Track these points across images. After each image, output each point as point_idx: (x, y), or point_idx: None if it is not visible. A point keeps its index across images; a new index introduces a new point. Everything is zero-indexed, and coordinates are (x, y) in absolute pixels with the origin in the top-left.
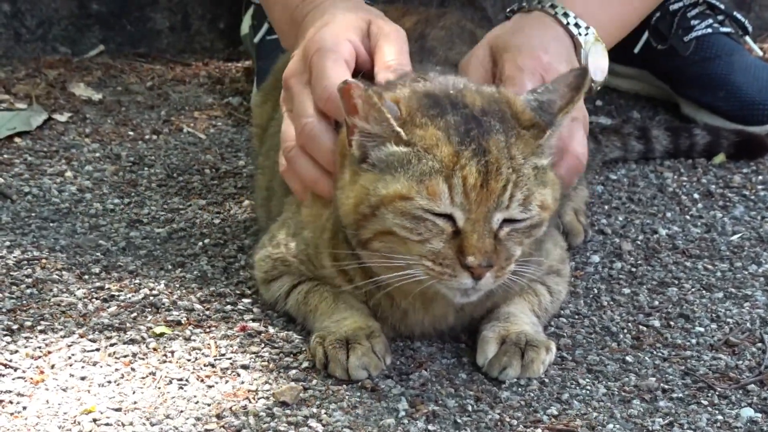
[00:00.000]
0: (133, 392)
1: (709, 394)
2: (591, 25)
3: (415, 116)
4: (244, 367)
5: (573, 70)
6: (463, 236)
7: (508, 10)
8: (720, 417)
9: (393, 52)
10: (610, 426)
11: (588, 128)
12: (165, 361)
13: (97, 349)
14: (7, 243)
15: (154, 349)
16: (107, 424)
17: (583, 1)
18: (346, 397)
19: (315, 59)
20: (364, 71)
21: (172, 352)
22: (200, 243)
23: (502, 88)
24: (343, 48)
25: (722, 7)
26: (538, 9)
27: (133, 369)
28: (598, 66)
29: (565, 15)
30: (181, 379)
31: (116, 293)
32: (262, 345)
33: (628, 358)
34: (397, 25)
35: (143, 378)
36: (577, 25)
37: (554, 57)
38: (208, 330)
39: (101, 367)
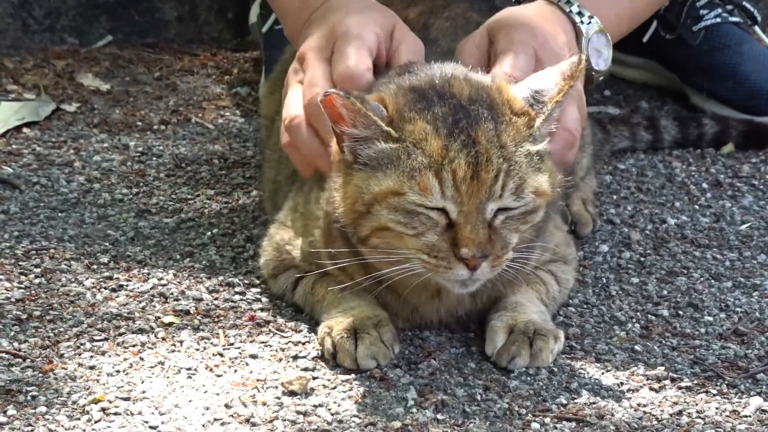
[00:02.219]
0: (142, 382)
1: (718, 383)
2: (596, 16)
3: (403, 112)
4: (253, 356)
5: (569, 58)
6: (456, 228)
7: (513, 0)
8: (729, 406)
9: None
10: (619, 415)
11: (583, 104)
12: (174, 351)
13: (106, 339)
14: (16, 233)
15: (163, 339)
16: (116, 414)
17: None
18: (355, 386)
19: (340, 41)
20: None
21: (181, 342)
22: (209, 233)
23: (496, 76)
24: (370, 37)
25: None
26: None
27: (141, 358)
28: (601, 55)
29: (569, 3)
30: (189, 369)
31: (125, 283)
32: (271, 334)
33: (637, 348)
34: (417, 37)
35: (152, 367)
36: (580, 13)
37: (550, 34)
38: (216, 320)
39: (110, 356)
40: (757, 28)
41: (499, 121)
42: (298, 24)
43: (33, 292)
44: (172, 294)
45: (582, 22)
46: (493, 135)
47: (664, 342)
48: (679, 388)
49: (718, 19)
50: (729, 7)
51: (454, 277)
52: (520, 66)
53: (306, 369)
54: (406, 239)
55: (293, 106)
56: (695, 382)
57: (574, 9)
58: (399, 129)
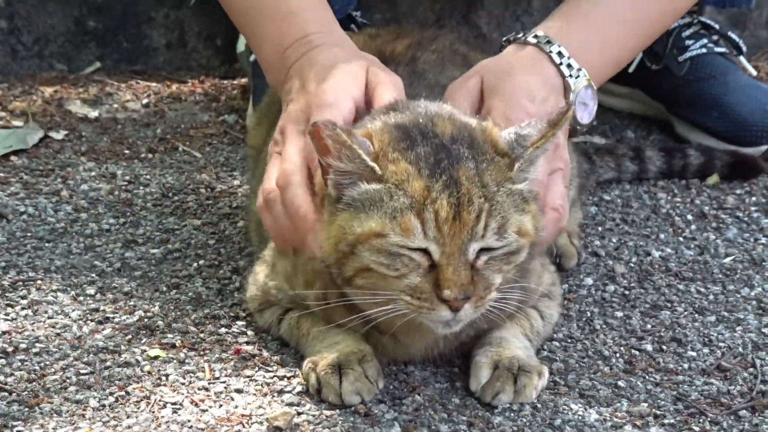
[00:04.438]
0: (128, 416)
1: (701, 420)
2: (584, 66)
3: (387, 151)
4: (238, 391)
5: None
6: (438, 270)
7: (504, 39)
8: None
9: (389, 99)
10: None
11: (569, 177)
12: (159, 385)
13: (92, 372)
14: (3, 263)
15: (149, 373)
16: None
17: (580, 41)
18: (340, 422)
19: (316, 113)
20: None
21: (167, 376)
22: (195, 264)
23: (484, 121)
24: (344, 105)
25: (717, 26)
26: (533, 44)
27: (127, 392)
28: (587, 108)
29: (560, 54)
30: (175, 403)
31: (111, 315)
32: (256, 368)
33: (621, 383)
34: (393, 73)
35: (137, 402)
36: (569, 66)
37: (540, 107)
38: (202, 353)
39: (96, 390)
40: (742, 59)
41: (480, 161)
42: (279, 76)
43: (19, 324)
44: (158, 327)
45: (571, 76)
46: (474, 174)
47: (647, 377)
48: (662, 425)
49: (704, 50)
50: (714, 37)
51: (437, 318)
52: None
53: (291, 404)
54: (389, 280)
55: (271, 179)
56: (678, 419)
57: (564, 61)
58: (383, 168)
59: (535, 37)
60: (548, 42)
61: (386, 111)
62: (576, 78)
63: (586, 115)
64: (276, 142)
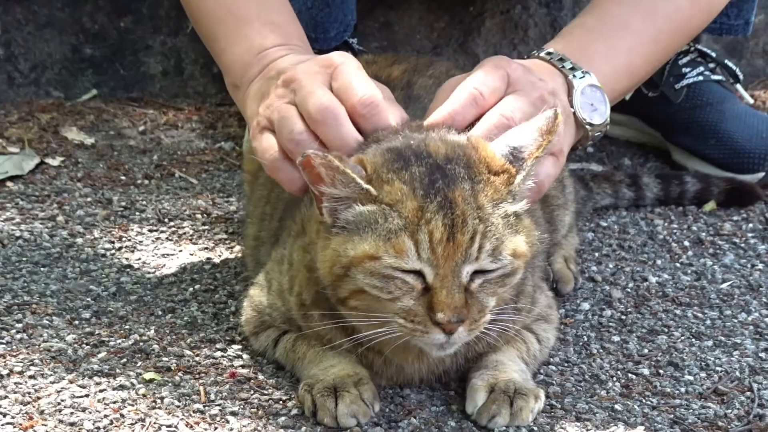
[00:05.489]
0: None
1: None
2: (591, 71)
3: (381, 172)
4: (234, 413)
5: (544, 112)
6: (432, 293)
7: None
8: None
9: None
10: None
11: (561, 166)
12: (154, 408)
13: (87, 395)
14: None
15: (144, 395)
16: None
17: (582, 48)
18: None
19: (339, 59)
20: None
21: (162, 399)
22: (191, 289)
23: (471, 136)
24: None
25: (713, 54)
26: (534, 56)
27: (122, 415)
28: (596, 110)
29: (561, 60)
30: (170, 426)
31: (106, 339)
32: (252, 391)
33: (617, 407)
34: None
35: (132, 424)
36: (573, 68)
37: (527, 67)
38: (197, 376)
39: (90, 413)
40: (739, 86)
41: (476, 181)
42: (250, 71)
43: (14, 347)
44: (153, 350)
45: (575, 76)
46: (470, 195)
47: (644, 401)
48: None
49: (701, 77)
50: (711, 65)
51: (431, 341)
52: (488, 83)
53: (286, 427)
54: (383, 303)
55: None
56: None
57: (567, 65)
58: (378, 189)
59: (537, 52)
60: (549, 54)
61: (375, 140)
62: (580, 78)
63: (596, 115)
64: (281, 96)
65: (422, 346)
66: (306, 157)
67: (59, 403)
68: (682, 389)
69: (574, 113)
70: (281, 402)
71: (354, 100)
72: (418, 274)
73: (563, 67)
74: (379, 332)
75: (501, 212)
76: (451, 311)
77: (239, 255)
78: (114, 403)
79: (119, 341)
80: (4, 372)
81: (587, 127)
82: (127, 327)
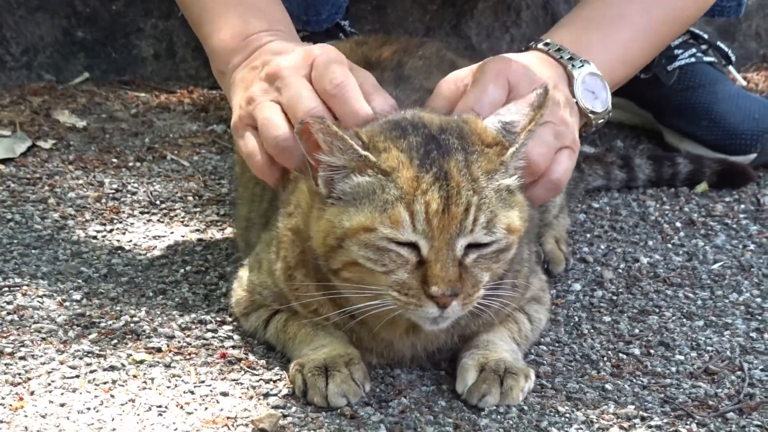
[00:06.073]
0: (112, 419)
1: (688, 422)
2: (589, 59)
3: (378, 140)
4: (224, 394)
5: (535, 89)
6: (426, 266)
7: None
8: None
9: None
10: None
11: (576, 158)
12: (144, 388)
13: (77, 376)
14: None
15: (134, 376)
16: None
17: (580, 38)
18: (326, 424)
19: (322, 54)
20: None
21: (152, 379)
22: (182, 270)
23: (465, 115)
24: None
25: (706, 36)
26: (532, 48)
27: (112, 396)
28: (597, 97)
29: (559, 50)
30: (160, 406)
31: (97, 320)
32: (242, 372)
33: (608, 386)
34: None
35: (122, 405)
36: (571, 58)
37: (527, 65)
38: (188, 357)
39: (81, 393)
40: (731, 68)
41: (470, 152)
42: (235, 57)
43: (5, 328)
44: (144, 331)
45: (574, 66)
46: (464, 166)
47: (634, 381)
48: (649, 427)
49: (693, 59)
50: (703, 47)
51: (424, 315)
52: (488, 99)
53: (277, 407)
54: (377, 275)
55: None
56: (665, 421)
57: (565, 55)
58: (375, 156)
59: (535, 43)
60: (546, 44)
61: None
62: (579, 67)
63: (597, 103)
64: (264, 91)
65: (416, 319)
66: (304, 124)
67: (49, 384)
68: (673, 369)
69: (576, 102)
70: (272, 382)
71: (326, 83)
72: (413, 246)
73: (561, 57)
74: (371, 305)
75: (494, 185)
76: (445, 284)
77: (230, 236)
78: (104, 383)
79: (110, 322)
80: None
81: (590, 115)
82: (117, 308)
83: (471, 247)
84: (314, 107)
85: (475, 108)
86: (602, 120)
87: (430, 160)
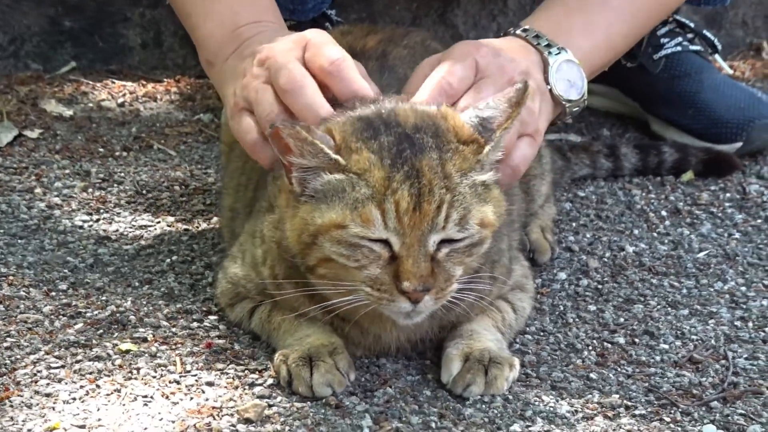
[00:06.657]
0: (98, 409)
1: (672, 411)
2: (567, 47)
3: (350, 141)
4: (209, 383)
5: (515, 85)
6: (398, 261)
7: None
8: None
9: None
10: None
11: (538, 147)
12: (130, 378)
13: (63, 366)
14: None
15: (120, 366)
16: None
17: (560, 24)
18: (311, 414)
19: (315, 37)
20: None
21: (138, 369)
22: (168, 260)
23: (443, 106)
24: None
25: (692, 25)
26: (510, 33)
27: (98, 386)
28: (573, 85)
29: (537, 37)
30: (146, 396)
31: (83, 310)
32: (228, 362)
33: (593, 375)
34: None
35: (108, 395)
36: (548, 45)
37: (500, 49)
38: (174, 347)
39: (66, 383)
40: (717, 57)
41: (444, 150)
42: (224, 49)
43: None
44: (129, 321)
45: (551, 53)
46: (437, 164)
47: (619, 370)
48: (633, 416)
49: (679, 48)
50: (690, 35)
51: (397, 309)
52: (456, 72)
53: (262, 396)
54: (350, 271)
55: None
56: (649, 410)
57: (543, 42)
58: (346, 158)
59: (514, 29)
60: (524, 30)
61: (350, 108)
62: (556, 54)
63: (573, 91)
64: (256, 75)
65: (389, 314)
66: (274, 128)
67: (35, 374)
68: (658, 358)
69: (551, 90)
70: (257, 372)
71: (323, 61)
72: (385, 242)
73: (539, 44)
74: (346, 300)
75: (469, 182)
76: (417, 280)
77: (217, 226)
78: (90, 373)
79: (96, 312)
80: None
81: (564, 103)
82: (104, 298)
83: (443, 242)
84: (295, 76)
85: (441, 84)
86: (577, 108)
87: (402, 159)
